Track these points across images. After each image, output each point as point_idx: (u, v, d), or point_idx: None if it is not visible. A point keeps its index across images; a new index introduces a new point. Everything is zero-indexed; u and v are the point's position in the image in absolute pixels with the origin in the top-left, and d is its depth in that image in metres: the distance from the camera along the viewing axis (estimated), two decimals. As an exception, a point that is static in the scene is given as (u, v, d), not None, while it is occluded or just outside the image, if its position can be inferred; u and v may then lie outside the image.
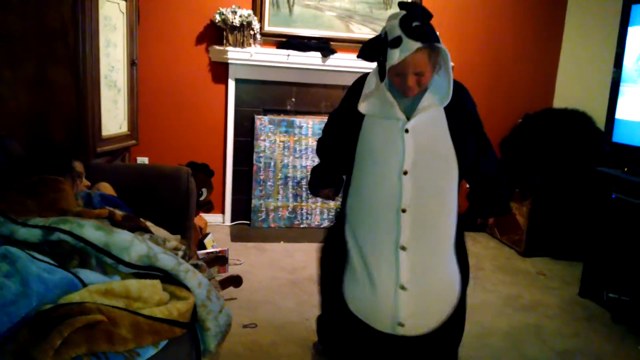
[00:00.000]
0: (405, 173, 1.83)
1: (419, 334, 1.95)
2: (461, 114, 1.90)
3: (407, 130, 1.82)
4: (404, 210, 1.84)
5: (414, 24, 1.70)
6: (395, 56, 1.71)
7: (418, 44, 1.68)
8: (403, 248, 1.86)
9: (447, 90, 1.82)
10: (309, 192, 2.25)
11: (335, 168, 2.13)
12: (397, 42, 1.71)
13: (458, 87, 1.90)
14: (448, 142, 1.86)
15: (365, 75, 1.98)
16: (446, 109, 1.86)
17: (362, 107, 1.88)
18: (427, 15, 1.75)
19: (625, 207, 2.88)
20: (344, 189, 2.07)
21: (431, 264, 1.91)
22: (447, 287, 1.97)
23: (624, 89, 3.08)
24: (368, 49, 1.87)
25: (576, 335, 2.69)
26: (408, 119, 1.84)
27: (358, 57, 1.91)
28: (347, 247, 2.00)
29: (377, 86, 1.87)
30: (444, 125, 1.87)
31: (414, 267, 1.88)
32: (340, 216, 2.07)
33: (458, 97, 1.88)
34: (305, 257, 3.51)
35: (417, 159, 1.83)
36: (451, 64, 1.80)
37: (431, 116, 1.85)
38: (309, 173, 4.02)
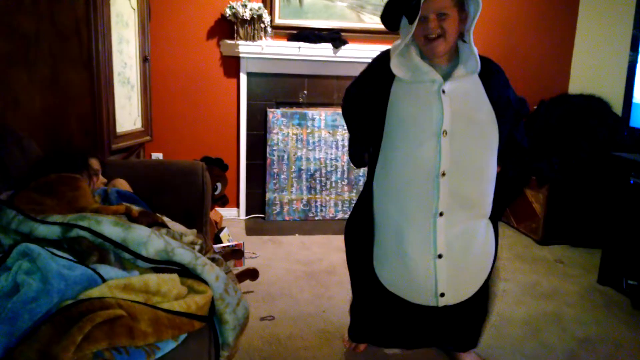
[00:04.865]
0: (445, 134, 1.78)
1: (459, 301, 1.95)
2: (500, 86, 1.88)
3: (444, 92, 1.79)
4: (443, 174, 1.80)
5: None
6: None
7: None
8: (441, 214, 1.82)
9: (475, 57, 1.80)
10: (352, 165, 2.18)
11: (367, 136, 2.04)
12: None
13: (491, 62, 1.91)
14: (488, 107, 1.83)
15: (385, 52, 1.93)
16: (483, 79, 1.85)
17: (395, 68, 1.82)
18: None
19: (644, 192, 2.84)
20: (369, 164, 2.00)
21: (468, 229, 1.88)
22: (483, 253, 1.95)
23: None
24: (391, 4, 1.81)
25: (596, 322, 2.67)
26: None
27: (382, 17, 1.85)
28: (374, 224, 1.96)
29: (405, 52, 1.83)
30: (481, 92, 1.84)
31: (451, 234, 1.85)
32: (366, 193, 2.01)
33: (494, 70, 1.89)
34: (320, 249, 3.51)
35: (455, 121, 1.79)
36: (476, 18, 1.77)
37: (468, 83, 1.83)
38: (322, 165, 4.05)
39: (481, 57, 1.86)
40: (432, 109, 1.79)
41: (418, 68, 1.81)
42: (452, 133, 1.79)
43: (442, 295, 1.90)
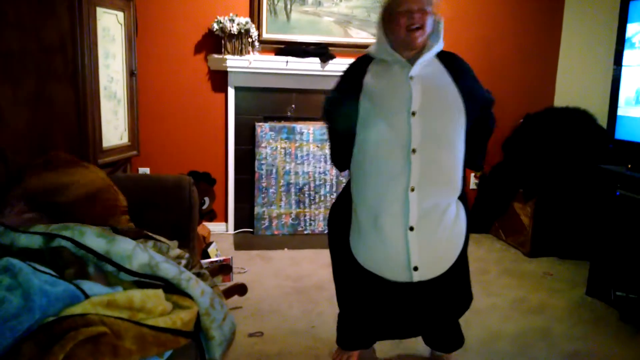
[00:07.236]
0: (413, 114, 1.89)
1: (433, 276, 2.00)
2: (468, 79, 2.01)
3: (411, 78, 1.92)
4: (414, 151, 1.89)
5: None
6: None
7: None
8: (412, 189, 1.90)
9: (439, 44, 1.97)
10: (336, 168, 2.26)
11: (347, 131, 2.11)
12: None
13: (459, 58, 2.07)
14: (454, 91, 1.95)
15: (363, 56, 2.10)
16: (450, 70, 1.98)
17: (372, 50, 2.04)
18: None
19: (630, 203, 2.86)
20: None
21: (439, 204, 1.95)
22: (453, 229, 2.01)
23: None
24: None
25: (584, 336, 2.66)
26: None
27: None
28: (352, 204, 2.05)
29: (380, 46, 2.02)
30: (448, 79, 1.97)
31: (422, 208, 1.92)
32: (348, 179, 2.12)
33: (461, 65, 2.04)
34: (310, 264, 3.49)
35: (424, 102, 1.90)
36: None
37: (432, 68, 1.97)
38: (311, 179, 4.04)
39: (448, 53, 2.04)
40: (402, 91, 1.93)
41: (388, 52, 1.99)
42: (421, 113, 1.90)
43: (416, 269, 1.95)
